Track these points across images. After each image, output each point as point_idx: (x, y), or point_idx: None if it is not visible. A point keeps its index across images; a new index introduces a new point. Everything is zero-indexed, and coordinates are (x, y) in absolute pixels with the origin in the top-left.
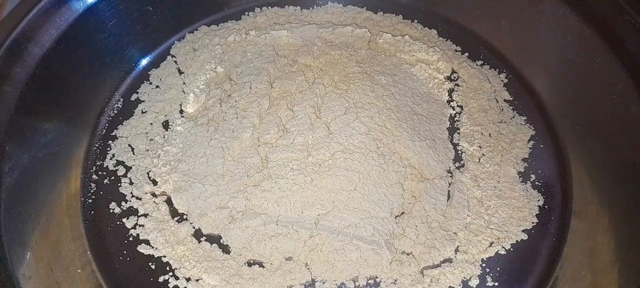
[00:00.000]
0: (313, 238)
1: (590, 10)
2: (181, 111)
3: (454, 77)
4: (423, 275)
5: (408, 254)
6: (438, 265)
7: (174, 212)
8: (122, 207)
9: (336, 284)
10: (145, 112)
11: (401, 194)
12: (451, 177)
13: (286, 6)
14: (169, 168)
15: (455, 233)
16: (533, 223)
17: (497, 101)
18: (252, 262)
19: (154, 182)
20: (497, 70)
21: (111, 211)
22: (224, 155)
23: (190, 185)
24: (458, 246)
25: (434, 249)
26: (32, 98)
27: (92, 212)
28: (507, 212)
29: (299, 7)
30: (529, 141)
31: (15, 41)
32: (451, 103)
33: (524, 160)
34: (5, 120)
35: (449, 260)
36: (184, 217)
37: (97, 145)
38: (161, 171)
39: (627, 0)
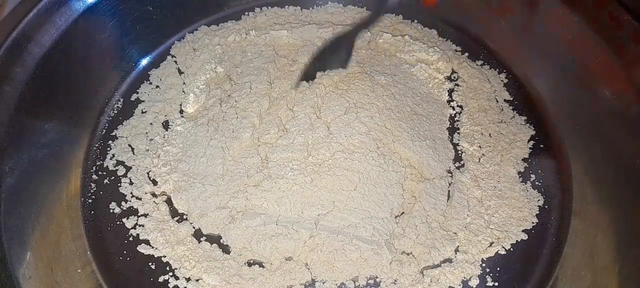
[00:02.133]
0: (313, 238)
1: (590, 10)
2: (181, 111)
3: (454, 77)
4: (423, 275)
5: (408, 254)
6: (438, 265)
7: (174, 212)
8: (122, 207)
9: (336, 284)
10: (145, 112)
11: (401, 194)
12: (451, 177)
13: (286, 6)
14: (169, 168)
15: (455, 233)
16: (533, 223)
17: (497, 101)
18: (252, 262)
19: (154, 182)
20: (497, 70)
21: (111, 211)
22: (224, 155)
23: (190, 185)
24: (458, 246)
25: (434, 249)
26: (32, 98)
27: (92, 212)
28: (507, 212)
29: (299, 7)
30: (529, 141)
31: (15, 41)
32: (451, 103)
33: (524, 160)
34: (5, 120)
35: (449, 260)
36: (184, 217)
37: (97, 145)
38: (161, 171)
39: (627, 0)
